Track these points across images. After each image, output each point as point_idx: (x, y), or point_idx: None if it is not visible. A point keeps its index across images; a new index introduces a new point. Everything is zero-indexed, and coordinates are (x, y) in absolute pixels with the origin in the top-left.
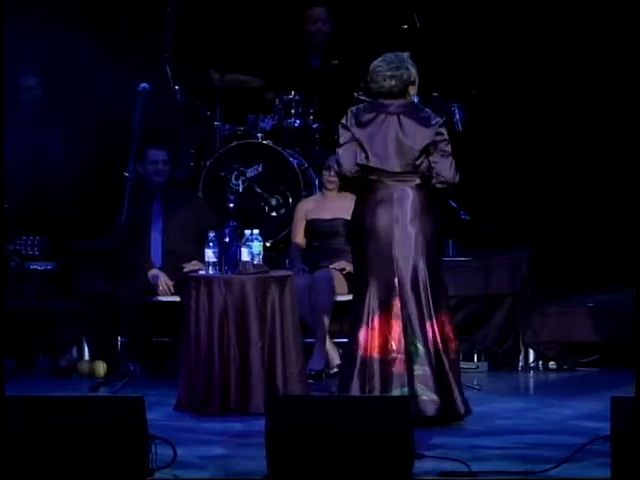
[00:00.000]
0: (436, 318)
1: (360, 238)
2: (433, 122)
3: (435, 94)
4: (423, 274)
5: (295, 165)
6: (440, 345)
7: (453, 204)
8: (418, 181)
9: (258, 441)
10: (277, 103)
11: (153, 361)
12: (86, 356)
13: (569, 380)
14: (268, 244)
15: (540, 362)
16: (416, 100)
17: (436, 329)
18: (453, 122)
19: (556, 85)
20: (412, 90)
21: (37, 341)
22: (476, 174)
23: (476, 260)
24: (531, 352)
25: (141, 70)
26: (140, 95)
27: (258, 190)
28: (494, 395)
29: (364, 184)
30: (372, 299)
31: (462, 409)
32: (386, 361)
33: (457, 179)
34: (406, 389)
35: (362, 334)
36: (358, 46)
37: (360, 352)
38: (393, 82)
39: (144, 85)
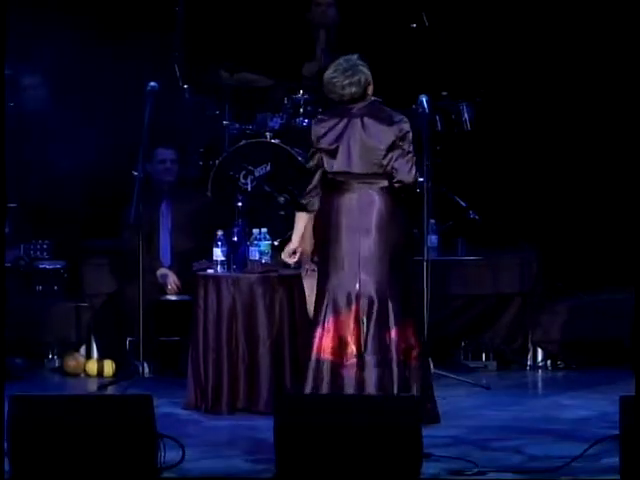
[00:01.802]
0: (399, 326)
1: (324, 239)
2: (396, 119)
3: (444, 93)
4: (386, 282)
5: (304, 164)
6: (401, 353)
7: (462, 203)
8: (384, 183)
9: (267, 439)
10: (286, 102)
11: (161, 360)
12: (95, 355)
13: (578, 379)
14: (276, 243)
15: (549, 361)
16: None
17: (397, 337)
18: (462, 121)
19: (565, 84)
20: (370, 90)
21: (46, 340)
22: (485, 173)
23: (485, 259)
24: (540, 351)
25: (150, 69)
26: (149, 94)
27: (267, 189)
28: (502, 394)
29: (330, 186)
30: (330, 300)
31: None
32: (338, 364)
33: (413, 180)
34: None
35: (317, 334)
36: (367, 45)
37: (313, 353)
38: (354, 89)
39: (153, 84)
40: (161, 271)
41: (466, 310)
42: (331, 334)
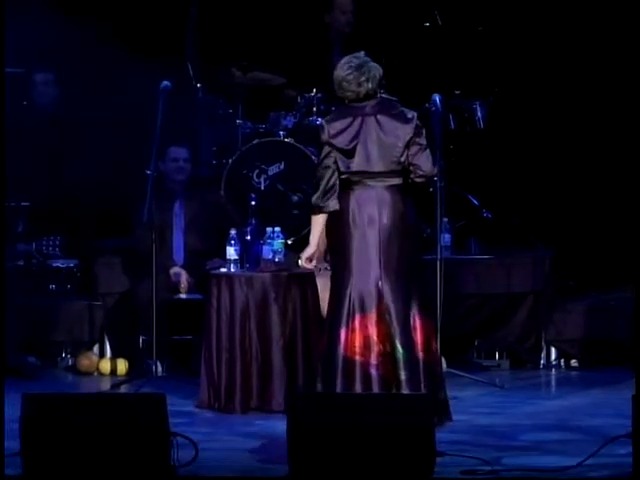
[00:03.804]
0: (419, 323)
1: (342, 239)
2: (410, 116)
3: (457, 92)
4: (406, 280)
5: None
6: (423, 350)
7: (475, 202)
8: (399, 181)
9: (280, 438)
10: (299, 101)
11: (174, 359)
12: (108, 354)
13: (591, 378)
14: (290, 242)
15: (562, 360)
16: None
17: (419, 335)
18: (475, 120)
19: (579, 83)
20: (380, 87)
21: (59, 339)
22: (498, 172)
23: (498, 258)
24: (553, 350)
25: (163, 68)
26: (162, 93)
27: (280, 188)
28: (516, 393)
29: (344, 185)
30: (355, 299)
31: (442, 413)
32: (367, 363)
33: (435, 171)
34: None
35: (342, 335)
36: (380, 44)
37: (340, 353)
38: (370, 85)
39: (166, 83)
40: (174, 270)
41: (479, 309)
42: (357, 333)
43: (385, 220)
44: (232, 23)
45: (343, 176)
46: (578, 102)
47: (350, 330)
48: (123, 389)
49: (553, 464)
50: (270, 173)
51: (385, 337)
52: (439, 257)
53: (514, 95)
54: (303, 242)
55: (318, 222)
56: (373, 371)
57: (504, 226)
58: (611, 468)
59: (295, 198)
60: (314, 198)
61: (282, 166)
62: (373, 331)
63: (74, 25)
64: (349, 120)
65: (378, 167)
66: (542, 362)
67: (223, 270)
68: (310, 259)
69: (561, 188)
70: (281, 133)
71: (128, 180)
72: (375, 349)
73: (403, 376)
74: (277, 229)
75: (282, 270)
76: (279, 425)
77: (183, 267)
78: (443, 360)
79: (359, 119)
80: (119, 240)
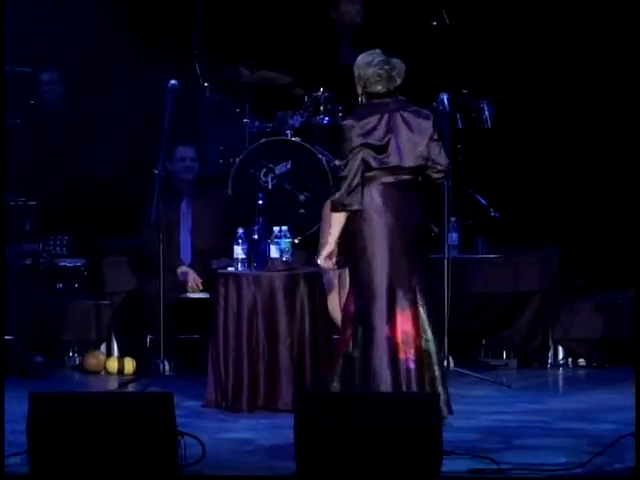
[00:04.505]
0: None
1: (370, 234)
2: (427, 112)
3: (464, 91)
4: (427, 276)
5: (324, 162)
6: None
7: (482, 201)
8: (419, 177)
9: (287, 437)
10: (306, 100)
11: (182, 358)
12: (115, 353)
13: (598, 377)
14: (297, 241)
15: (569, 359)
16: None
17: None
18: (482, 119)
19: (586, 82)
20: None
21: (66, 338)
22: (505, 171)
23: (505, 257)
24: (560, 349)
25: (170, 67)
26: (169, 92)
27: (287, 187)
28: (523, 392)
29: (373, 181)
30: (395, 296)
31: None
32: (407, 359)
33: (451, 165)
34: (430, 389)
35: (384, 334)
36: (388, 43)
37: (385, 352)
38: (398, 81)
39: (173, 82)
40: (181, 269)
41: (486, 308)
42: (398, 330)
43: (410, 216)
44: (239, 22)
45: (371, 172)
46: (585, 101)
47: (390, 327)
48: (130, 388)
49: (560, 463)
50: (277, 172)
51: (420, 332)
52: (446, 256)
53: (521, 94)
54: (310, 241)
55: (339, 220)
56: (412, 365)
57: (511, 225)
58: (618, 466)
59: (302, 197)
60: (337, 195)
61: (289, 165)
62: (410, 326)
63: (80, 24)
64: (377, 117)
65: (408, 162)
66: (549, 361)
67: (230, 269)
68: (329, 257)
69: (569, 187)
70: (288, 132)
71: (135, 179)
72: (413, 344)
73: (437, 372)
74: (284, 228)
75: (289, 269)
76: (286, 424)
77: (190, 266)
78: (450, 359)
79: (386, 115)
80: (126, 239)
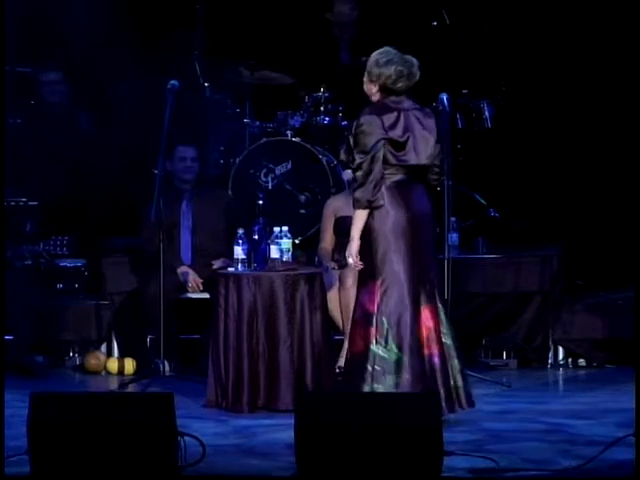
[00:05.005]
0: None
1: (393, 231)
2: (429, 110)
3: (464, 91)
4: (438, 268)
5: (324, 162)
6: None
7: (482, 201)
8: (422, 174)
9: (287, 438)
10: (306, 100)
11: (182, 358)
12: (115, 353)
13: (598, 377)
14: (297, 241)
15: (570, 359)
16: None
17: None
18: (482, 119)
19: (587, 82)
20: None
21: (67, 338)
22: (505, 171)
23: (506, 257)
24: (560, 349)
25: (170, 67)
26: (169, 92)
27: (287, 187)
28: (523, 392)
29: (390, 177)
30: (420, 292)
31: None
32: (431, 355)
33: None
34: (452, 382)
35: (413, 329)
36: (388, 43)
37: (415, 348)
38: (417, 77)
39: (173, 82)
40: (182, 269)
41: (487, 308)
42: (423, 327)
43: (426, 211)
44: (239, 22)
45: (389, 170)
46: (585, 101)
47: (418, 324)
48: (131, 388)
49: (560, 463)
50: (277, 172)
51: (441, 326)
52: (447, 256)
53: (522, 94)
54: (310, 241)
55: (362, 217)
56: (436, 360)
57: (512, 225)
58: (618, 467)
59: (302, 197)
60: (361, 192)
61: (289, 165)
62: (433, 322)
63: (82, 24)
64: (395, 114)
65: (424, 161)
66: (549, 361)
67: (231, 269)
68: (356, 255)
69: (569, 187)
70: (288, 132)
71: (136, 179)
72: (436, 340)
73: (458, 365)
74: (285, 228)
75: (290, 269)
76: (286, 424)
77: (191, 266)
78: None
79: (402, 113)
80: (127, 239)
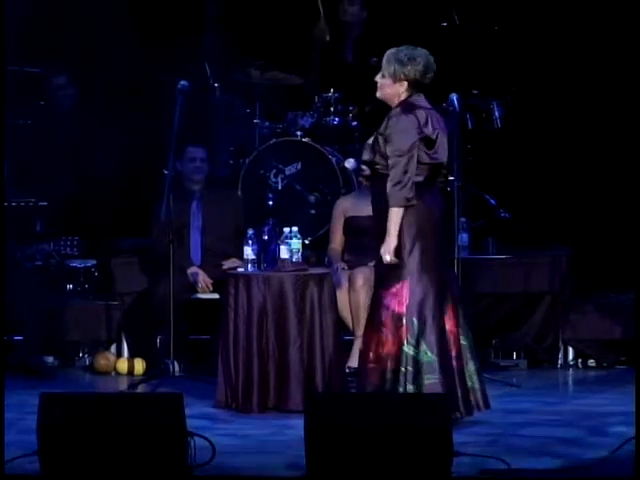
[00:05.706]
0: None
1: (420, 232)
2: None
3: (474, 91)
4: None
5: (334, 163)
6: None
7: (492, 202)
8: (437, 175)
9: (297, 438)
10: (316, 101)
11: (192, 359)
12: (125, 354)
13: (608, 378)
14: (307, 242)
15: (579, 360)
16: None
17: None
18: (492, 119)
19: (597, 82)
20: None
21: (77, 339)
22: (515, 172)
23: (516, 258)
24: (570, 350)
25: (180, 68)
26: (179, 93)
27: (297, 188)
28: (533, 393)
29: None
30: (445, 295)
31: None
32: (450, 357)
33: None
34: (470, 384)
35: (436, 333)
36: (397, 44)
37: (437, 352)
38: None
39: (183, 83)
40: (191, 269)
41: (497, 308)
42: (446, 329)
43: (444, 212)
44: (249, 23)
45: (418, 169)
46: (595, 102)
47: (440, 327)
48: (140, 389)
49: (569, 464)
50: (287, 173)
51: (459, 328)
52: (457, 257)
53: (531, 94)
54: (320, 242)
55: (399, 215)
56: (455, 364)
57: (522, 226)
58: (628, 467)
59: (312, 198)
60: (399, 189)
61: (299, 166)
62: (453, 323)
63: (91, 25)
64: (423, 111)
65: (446, 159)
66: (559, 362)
67: (240, 270)
68: (393, 252)
69: (579, 187)
70: (298, 133)
71: (146, 180)
72: (455, 341)
73: (474, 367)
74: (294, 229)
75: (299, 270)
76: (296, 425)
77: (200, 267)
78: None
79: (427, 111)
80: (137, 240)
